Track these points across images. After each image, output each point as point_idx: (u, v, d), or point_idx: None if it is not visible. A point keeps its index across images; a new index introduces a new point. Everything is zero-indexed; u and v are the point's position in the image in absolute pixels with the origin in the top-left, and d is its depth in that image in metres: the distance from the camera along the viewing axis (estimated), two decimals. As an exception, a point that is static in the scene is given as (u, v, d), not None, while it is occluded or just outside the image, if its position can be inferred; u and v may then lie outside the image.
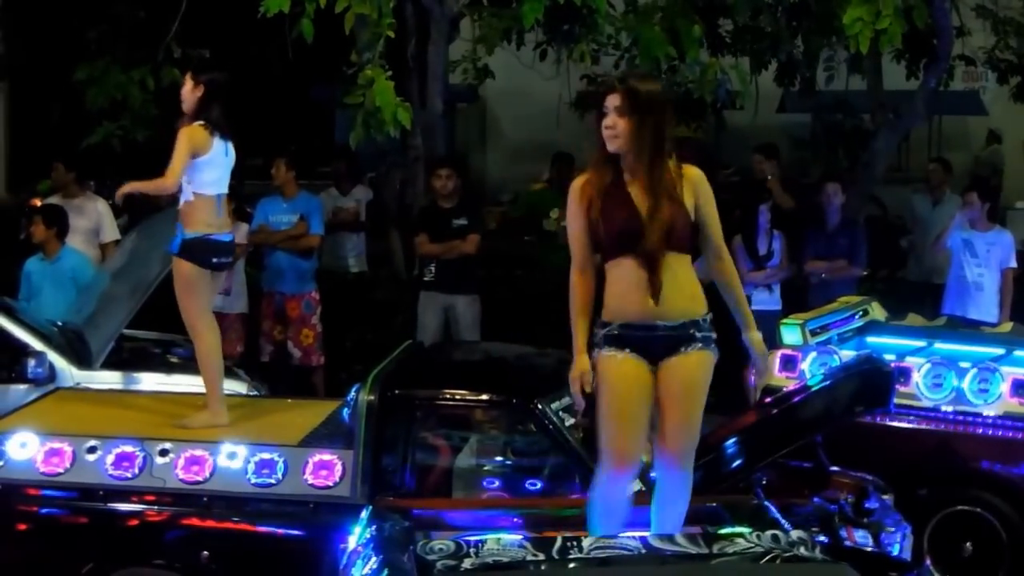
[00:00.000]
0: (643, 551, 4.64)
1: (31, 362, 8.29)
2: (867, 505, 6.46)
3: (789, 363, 8.10)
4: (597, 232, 5.29)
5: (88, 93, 11.66)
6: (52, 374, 8.31)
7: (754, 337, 5.57)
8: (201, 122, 7.15)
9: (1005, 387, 7.64)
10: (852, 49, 10.47)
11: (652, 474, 6.30)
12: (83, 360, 8.51)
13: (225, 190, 7.32)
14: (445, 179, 10.52)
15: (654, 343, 5.27)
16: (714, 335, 5.38)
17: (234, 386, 8.04)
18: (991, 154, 20.34)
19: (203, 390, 7.24)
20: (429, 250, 10.48)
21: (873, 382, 6.71)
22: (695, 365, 5.30)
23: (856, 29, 9.70)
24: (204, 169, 7.15)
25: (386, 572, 4.66)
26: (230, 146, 7.33)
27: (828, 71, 13.46)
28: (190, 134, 7.12)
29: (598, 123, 5.30)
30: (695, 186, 5.36)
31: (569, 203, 5.38)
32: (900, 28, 9.72)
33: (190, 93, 7.25)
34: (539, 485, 6.43)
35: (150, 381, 8.54)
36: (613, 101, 5.24)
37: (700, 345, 5.30)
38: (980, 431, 7.65)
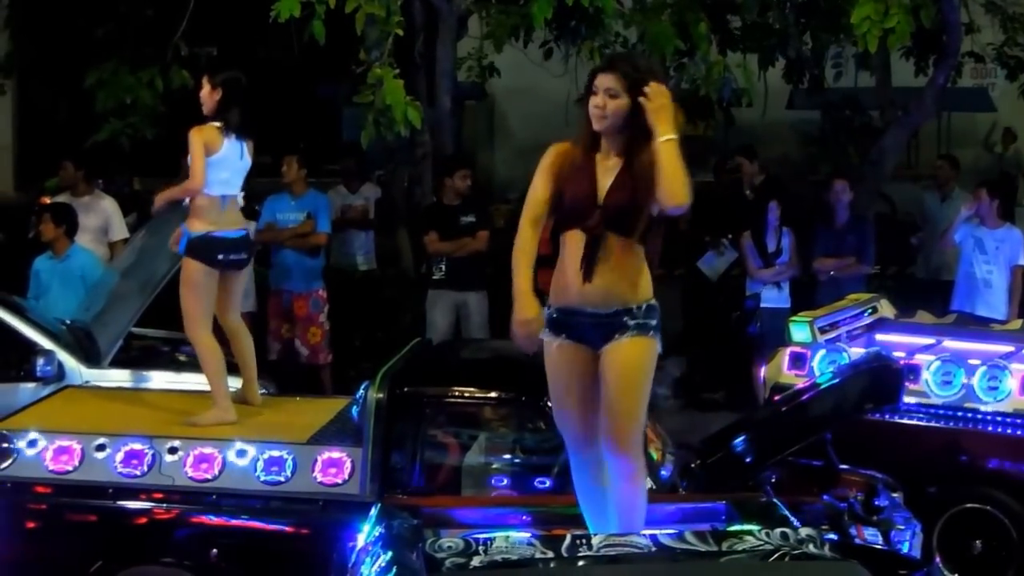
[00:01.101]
0: (652, 549, 4.63)
1: (40, 360, 8.30)
2: (877, 503, 6.45)
3: (798, 361, 8.09)
4: (558, 202, 5.25)
5: (98, 96, 11.67)
6: (61, 372, 8.33)
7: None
8: (217, 123, 7.16)
9: (1014, 384, 7.63)
10: (860, 48, 10.45)
11: (663, 473, 6.32)
12: (92, 358, 8.52)
13: (234, 191, 7.31)
14: (462, 179, 10.54)
15: (586, 330, 5.22)
16: (653, 323, 5.23)
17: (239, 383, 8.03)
18: (1015, 153, 20.26)
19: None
20: (439, 248, 10.49)
21: (882, 379, 6.71)
22: (628, 350, 5.19)
23: (864, 28, 9.68)
24: (212, 169, 7.14)
25: (395, 570, 4.64)
26: (246, 149, 7.32)
27: (836, 68, 13.45)
28: (200, 132, 7.13)
29: (587, 101, 5.23)
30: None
31: (541, 161, 5.31)
32: (908, 27, 9.69)
33: (208, 96, 7.24)
34: (548, 483, 6.42)
35: (159, 379, 8.56)
36: (605, 82, 5.17)
37: (634, 332, 5.18)
38: (990, 428, 7.63)
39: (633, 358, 5.19)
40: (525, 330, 5.21)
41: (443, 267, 10.46)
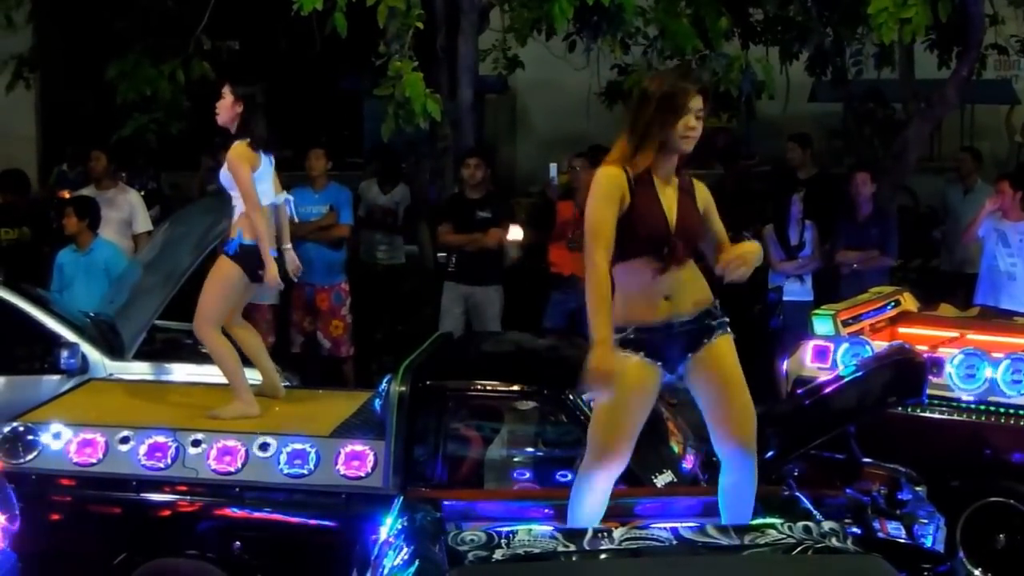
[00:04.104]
0: (674, 542, 4.63)
1: (64, 353, 8.34)
2: (900, 496, 6.44)
3: (821, 354, 8.08)
4: (624, 230, 5.11)
5: (119, 89, 11.71)
6: (85, 365, 8.37)
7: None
8: (247, 140, 7.18)
9: (1038, 378, 7.60)
10: (877, 39, 10.41)
11: (685, 466, 6.31)
12: (115, 351, 8.56)
13: (277, 200, 7.39)
14: (474, 168, 10.58)
15: (672, 343, 5.18)
16: (727, 317, 5.30)
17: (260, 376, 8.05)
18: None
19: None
20: (450, 240, 10.55)
21: (906, 373, 6.68)
22: (726, 349, 5.25)
23: (882, 19, 9.64)
24: (257, 184, 7.19)
25: (417, 563, 4.65)
26: (270, 156, 7.38)
27: (856, 64, 13.39)
28: (242, 154, 7.16)
29: (668, 120, 5.08)
30: (704, 192, 5.39)
31: (602, 188, 5.10)
32: (925, 19, 9.65)
33: (230, 108, 7.27)
34: (570, 476, 6.41)
35: (182, 372, 8.58)
36: (697, 103, 5.11)
37: (720, 331, 5.25)
38: (1013, 422, 7.61)
39: (732, 355, 5.26)
40: (604, 382, 5.02)
41: (454, 260, 10.52)
